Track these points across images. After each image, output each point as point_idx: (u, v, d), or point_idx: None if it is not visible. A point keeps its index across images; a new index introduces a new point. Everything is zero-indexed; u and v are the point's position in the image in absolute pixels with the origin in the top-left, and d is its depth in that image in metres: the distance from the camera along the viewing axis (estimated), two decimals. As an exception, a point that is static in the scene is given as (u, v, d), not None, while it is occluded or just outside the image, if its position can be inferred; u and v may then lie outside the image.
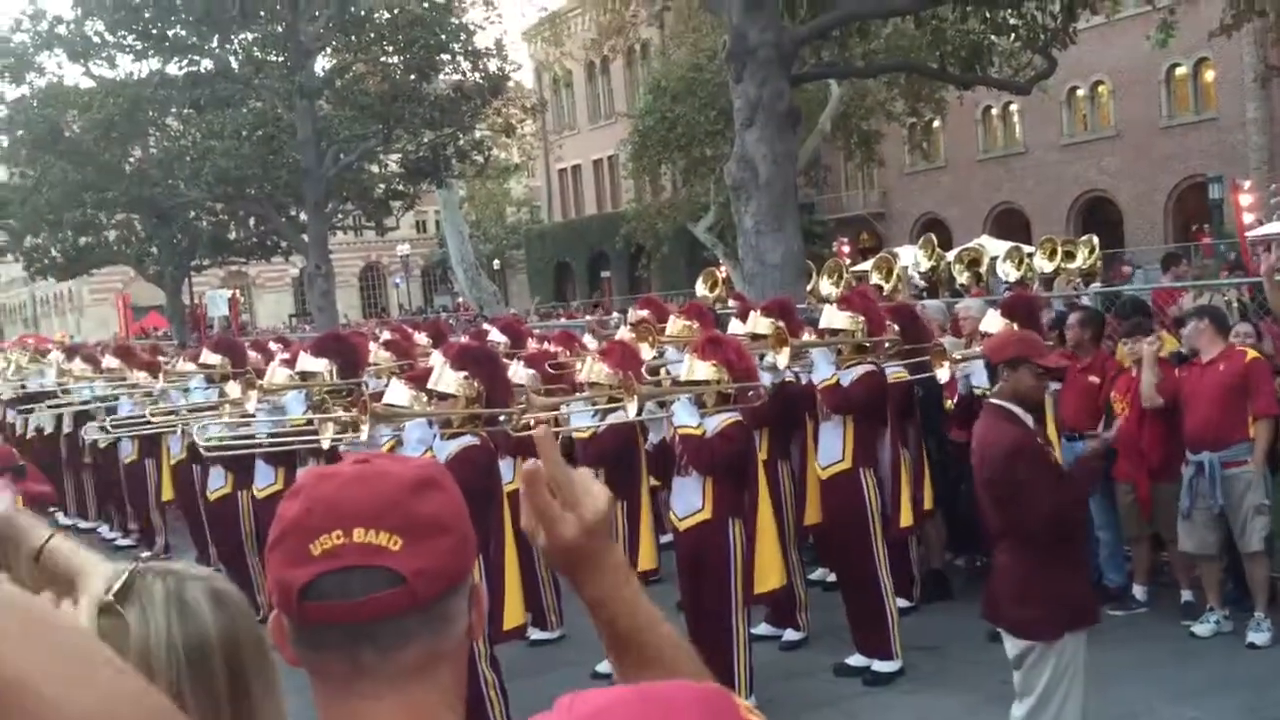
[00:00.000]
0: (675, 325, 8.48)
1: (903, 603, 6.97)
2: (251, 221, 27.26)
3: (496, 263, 52.15)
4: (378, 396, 5.78)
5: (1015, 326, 6.60)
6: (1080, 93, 36.47)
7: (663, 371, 7.53)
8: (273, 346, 10.77)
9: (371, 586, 1.13)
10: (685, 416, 5.74)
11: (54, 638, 0.96)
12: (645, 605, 1.39)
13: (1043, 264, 14.58)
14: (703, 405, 5.82)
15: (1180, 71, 34.10)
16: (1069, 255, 14.73)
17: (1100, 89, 36.16)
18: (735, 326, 8.03)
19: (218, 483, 8.33)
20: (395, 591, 1.13)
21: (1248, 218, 21.94)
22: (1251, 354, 6.56)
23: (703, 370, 5.87)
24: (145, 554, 9.55)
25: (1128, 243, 32.71)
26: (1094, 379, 7.22)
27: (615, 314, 18.20)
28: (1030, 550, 4.39)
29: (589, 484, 1.35)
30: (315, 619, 1.15)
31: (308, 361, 7.37)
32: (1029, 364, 4.41)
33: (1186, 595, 7.00)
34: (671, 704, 1.08)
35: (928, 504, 7.08)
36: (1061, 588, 4.34)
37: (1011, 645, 4.47)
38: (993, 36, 14.45)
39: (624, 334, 8.40)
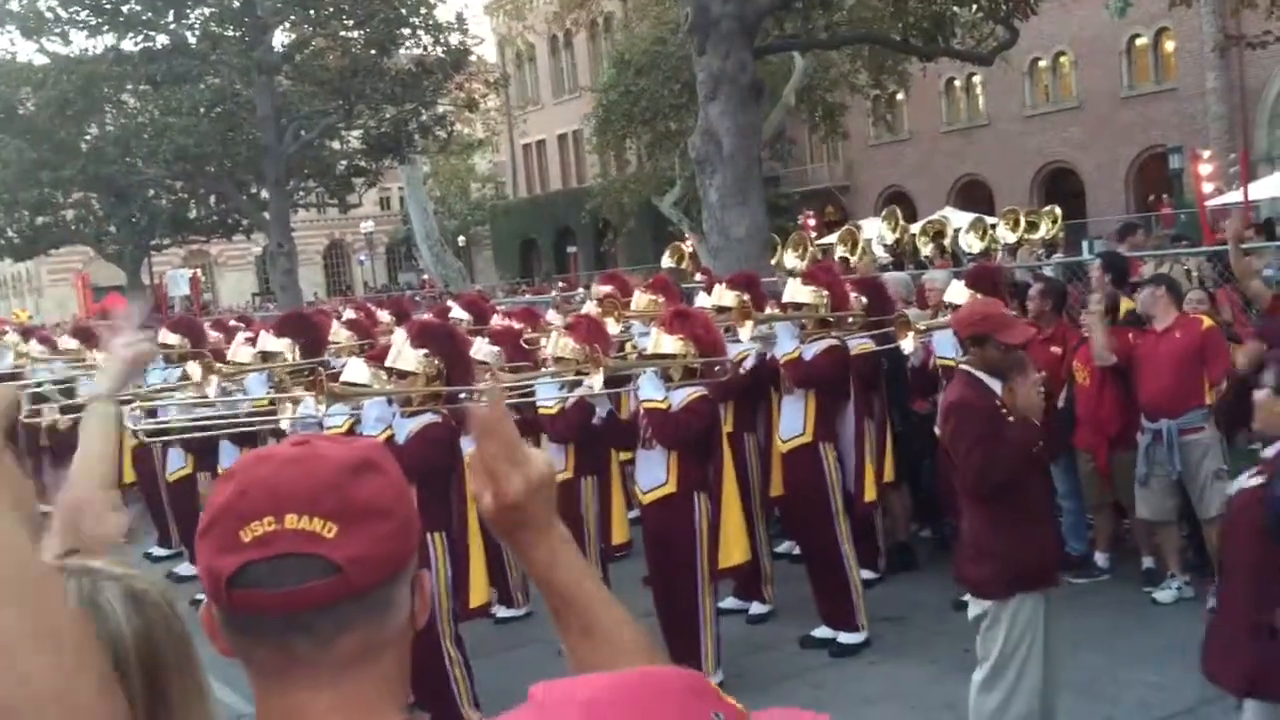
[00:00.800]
0: (641, 300, 8.44)
1: (868, 574, 7.00)
2: (212, 199, 26.96)
3: (462, 239, 51.83)
4: (337, 376, 5.71)
5: (979, 297, 6.62)
6: (1042, 64, 36.59)
7: (629, 346, 7.51)
8: (234, 325, 10.65)
9: (305, 575, 1.08)
10: (650, 390, 5.72)
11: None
12: (588, 575, 1.39)
13: (1006, 235, 14.66)
14: (669, 379, 5.80)
15: (1140, 42, 34.26)
16: (1032, 226, 14.84)
17: (1062, 60, 36.29)
18: (702, 300, 8.01)
19: (177, 464, 8.24)
20: (330, 580, 1.09)
21: (1207, 187, 22.13)
22: (1207, 322, 6.62)
23: (669, 344, 5.85)
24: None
25: (1090, 213, 32.93)
26: (1056, 349, 7.25)
27: (580, 290, 18.12)
28: (981, 508, 4.49)
29: (534, 451, 1.37)
30: (245, 608, 1.10)
31: (270, 341, 7.29)
32: (992, 340, 4.45)
33: (1148, 562, 7.07)
34: (660, 690, 1.07)
35: (889, 476, 7.10)
36: (1010, 547, 4.35)
37: (973, 606, 4.52)
38: (955, 7, 14.46)
39: (590, 309, 8.36)
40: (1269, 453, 3.79)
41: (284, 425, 5.88)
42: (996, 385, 4.46)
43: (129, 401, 5.99)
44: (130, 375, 2.35)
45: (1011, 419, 4.39)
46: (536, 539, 1.35)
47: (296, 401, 5.79)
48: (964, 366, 4.66)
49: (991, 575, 4.41)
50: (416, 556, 1.20)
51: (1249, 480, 3.79)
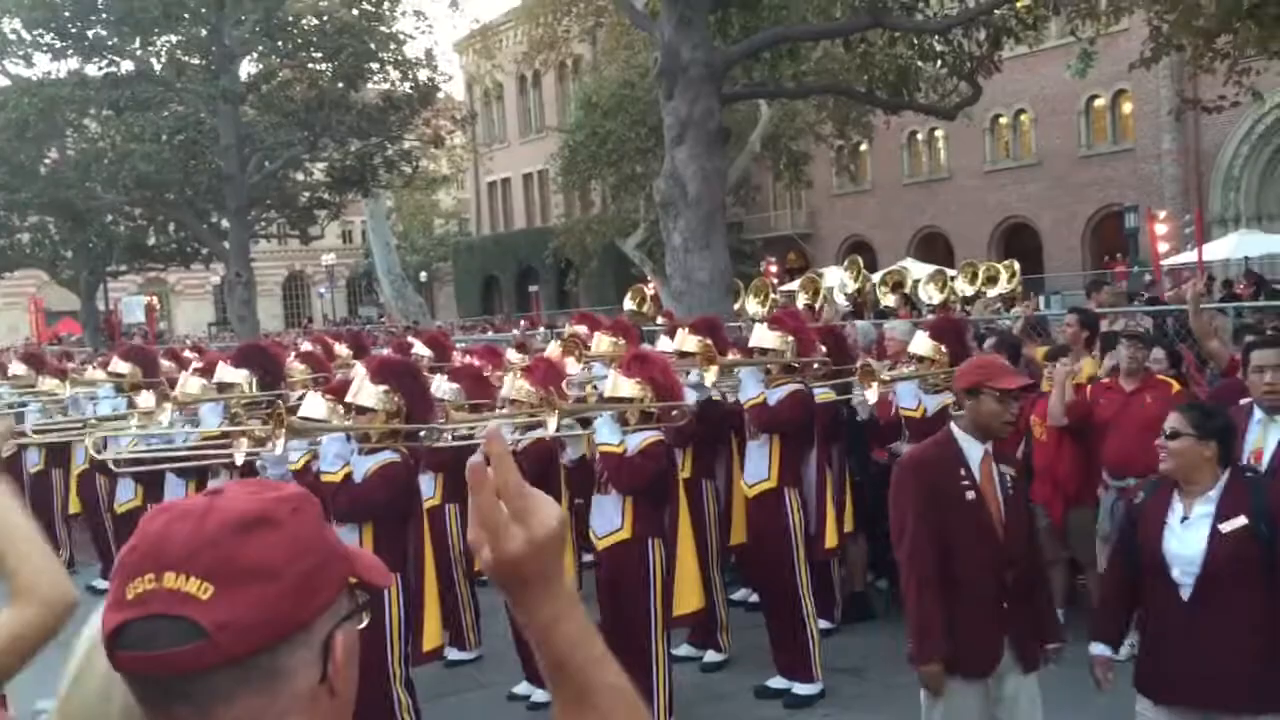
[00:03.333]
0: (602, 342, 8.41)
1: (825, 624, 6.95)
2: (171, 227, 26.66)
3: (424, 275, 51.66)
4: (294, 410, 5.62)
5: (944, 348, 6.65)
6: (1003, 120, 37.19)
7: (589, 388, 7.46)
8: (188, 355, 10.50)
9: (173, 639, 1.02)
10: (607, 434, 5.67)
11: None
12: (590, 637, 1.24)
13: (964, 287, 14.79)
14: (626, 423, 5.75)
15: (1099, 103, 34.92)
16: (990, 280, 14.98)
17: (1023, 117, 36.91)
18: (664, 344, 7.98)
19: (126, 495, 8.06)
20: (196, 645, 1.02)
21: (1163, 246, 22.50)
22: (1176, 386, 6.66)
23: (626, 387, 5.80)
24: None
25: (1047, 268, 33.37)
26: (1014, 402, 7.29)
27: (542, 329, 18.07)
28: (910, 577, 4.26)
29: (542, 502, 1.20)
30: (126, 668, 1.05)
31: (227, 372, 7.16)
32: (987, 389, 4.18)
33: (1103, 618, 7.06)
34: None
35: (849, 525, 7.08)
36: (932, 623, 4.13)
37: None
38: (919, 62, 14.63)
39: (552, 349, 8.32)
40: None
41: (238, 459, 5.75)
42: (976, 454, 4.18)
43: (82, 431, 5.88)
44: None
45: (970, 495, 4.13)
46: (540, 597, 1.20)
47: (254, 436, 5.67)
48: (953, 425, 4.38)
49: (916, 653, 4.21)
50: (332, 617, 1.11)
51: (1228, 526, 3.78)
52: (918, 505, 4.15)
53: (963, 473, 4.14)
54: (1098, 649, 4.16)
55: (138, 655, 1.03)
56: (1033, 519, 5.09)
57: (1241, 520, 3.76)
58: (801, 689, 6.33)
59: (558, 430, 5.81)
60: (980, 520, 4.13)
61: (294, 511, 1.11)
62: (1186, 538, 3.83)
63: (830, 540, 6.70)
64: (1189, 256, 22.33)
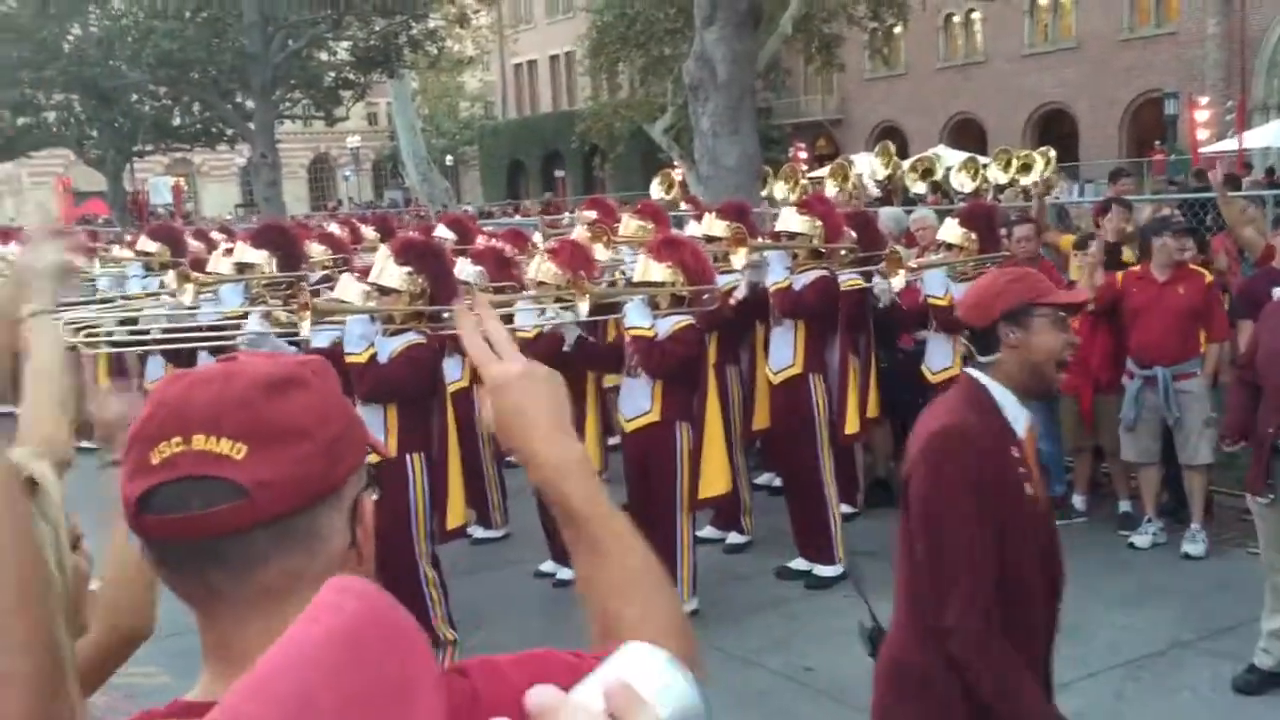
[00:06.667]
0: (630, 226, 8.35)
1: (847, 508, 7.01)
2: (196, 107, 26.47)
3: (449, 159, 51.25)
4: (318, 292, 5.62)
5: (974, 236, 6.55)
6: (1042, 2, 36.14)
7: (618, 273, 7.42)
8: (215, 235, 10.50)
9: (209, 499, 1.01)
10: (637, 318, 5.66)
11: None
12: (600, 493, 1.30)
13: (998, 175, 14.53)
14: (656, 307, 5.73)
15: (1144, -18, 33.90)
16: (1025, 168, 14.68)
17: (1063, -1, 35.89)
18: (692, 229, 7.91)
19: (156, 372, 8.14)
20: (235, 505, 1.01)
21: (1202, 134, 22.00)
22: (1209, 278, 6.64)
23: (657, 271, 5.77)
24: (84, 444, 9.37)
25: (1082, 156, 32.73)
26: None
27: (566, 214, 17.94)
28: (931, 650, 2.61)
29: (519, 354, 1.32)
30: (154, 534, 1.04)
31: (247, 252, 7.15)
32: (1041, 309, 2.71)
33: (1125, 506, 7.10)
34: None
35: (873, 411, 7.08)
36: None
37: None
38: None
39: (579, 233, 8.26)
40: None
41: (237, 342, 5.74)
42: (1021, 421, 2.70)
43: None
44: (54, 285, 2.27)
45: (1029, 489, 2.63)
46: (545, 445, 1.26)
47: (274, 318, 5.68)
48: (973, 373, 2.77)
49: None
50: (359, 481, 1.11)
51: None
52: (980, 511, 2.53)
53: (1014, 453, 2.65)
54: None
55: (171, 518, 1.02)
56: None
57: None
58: (822, 571, 6.41)
59: (589, 314, 5.79)
60: (1038, 528, 2.70)
61: (316, 374, 1.11)
62: None
63: (851, 427, 6.70)
64: (1229, 144, 21.83)
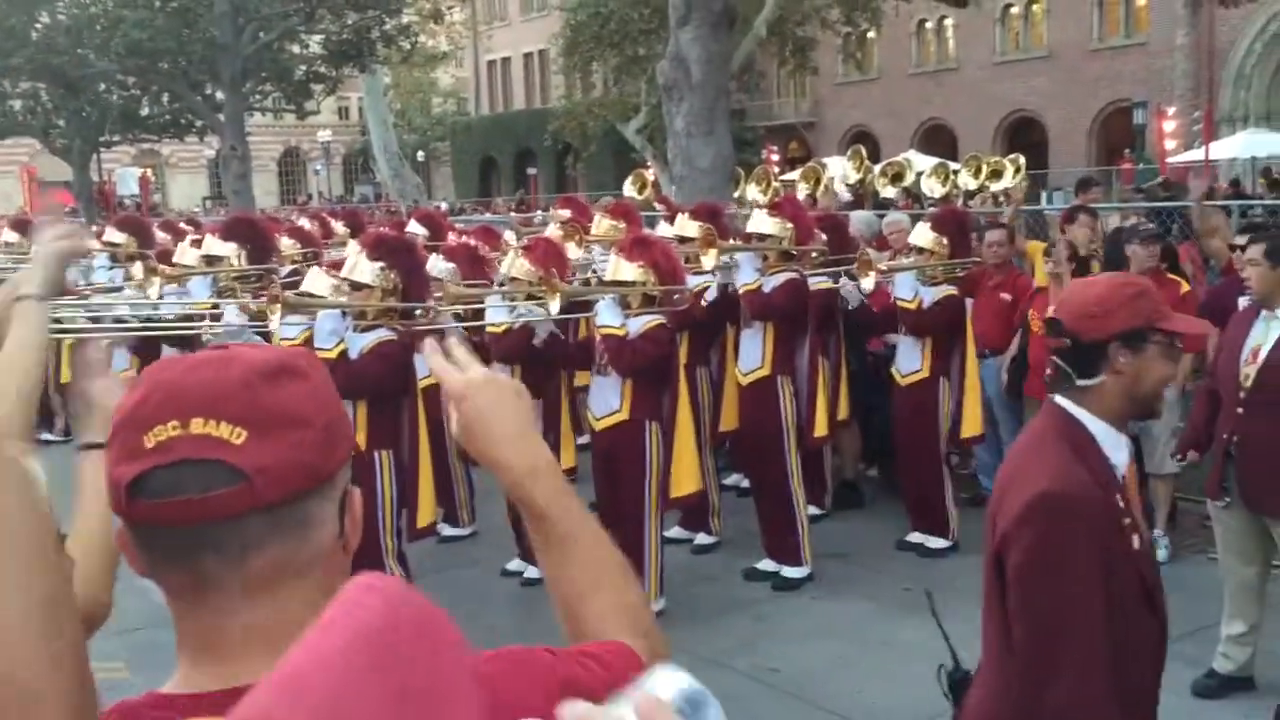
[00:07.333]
0: (602, 225, 8.34)
1: (814, 510, 7.03)
2: (165, 98, 26.22)
3: (421, 154, 51.04)
4: (290, 285, 5.58)
5: (945, 240, 6.58)
6: (1014, 10, 36.43)
7: (590, 271, 7.41)
8: (184, 227, 10.41)
9: (207, 483, 0.99)
10: (608, 317, 5.66)
11: None
12: (566, 497, 1.35)
13: (968, 181, 14.61)
14: (627, 306, 5.73)
15: (1114, -6, 34.23)
16: (995, 174, 14.77)
17: (1035, 8, 36.15)
18: (664, 229, 7.91)
19: (121, 364, 8.05)
20: (234, 489, 1.00)
21: (1170, 144, 22.24)
22: (1184, 287, 6.59)
23: (628, 271, 5.77)
24: (45, 436, 9.28)
25: (1051, 164, 33.02)
26: (1006, 296, 7.27)
27: (539, 212, 17.91)
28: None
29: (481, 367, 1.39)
30: (145, 519, 1.02)
31: (215, 245, 7.09)
32: (1158, 334, 2.39)
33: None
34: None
35: (843, 414, 7.11)
36: None
37: None
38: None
39: (551, 232, 8.24)
40: None
41: (205, 337, 5.70)
42: (1122, 460, 2.41)
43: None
44: (63, 271, 2.22)
45: (1136, 542, 2.36)
46: (512, 450, 1.32)
47: (244, 309, 5.64)
48: (1065, 404, 2.42)
49: None
50: (347, 472, 1.11)
51: None
52: (1089, 585, 2.26)
53: (1120, 502, 2.36)
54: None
55: (166, 503, 1.00)
56: None
57: None
58: (790, 572, 6.43)
59: (560, 312, 5.78)
60: (1145, 573, 2.40)
61: (314, 364, 1.11)
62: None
63: (820, 429, 6.72)
64: (1196, 154, 22.06)
